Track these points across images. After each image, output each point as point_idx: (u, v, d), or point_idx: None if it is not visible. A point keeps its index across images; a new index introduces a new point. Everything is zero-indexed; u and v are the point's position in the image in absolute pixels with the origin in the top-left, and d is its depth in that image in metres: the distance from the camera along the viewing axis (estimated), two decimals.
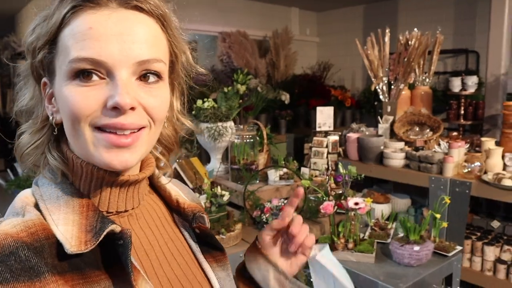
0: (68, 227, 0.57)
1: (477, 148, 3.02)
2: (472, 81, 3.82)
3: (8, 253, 0.51)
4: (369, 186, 3.61)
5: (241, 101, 2.72)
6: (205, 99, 2.40)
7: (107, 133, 0.57)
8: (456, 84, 3.89)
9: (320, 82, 5.53)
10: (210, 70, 5.05)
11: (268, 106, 4.78)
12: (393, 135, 3.37)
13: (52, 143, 0.65)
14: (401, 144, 3.16)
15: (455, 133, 3.52)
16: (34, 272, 0.51)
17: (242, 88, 3.99)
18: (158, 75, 0.61)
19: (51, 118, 0.63)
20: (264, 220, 1.98)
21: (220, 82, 4.30)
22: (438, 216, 1.94)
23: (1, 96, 6.98)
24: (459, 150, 2.84)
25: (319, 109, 3.46)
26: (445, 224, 1.97)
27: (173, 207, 0.76)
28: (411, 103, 3.64)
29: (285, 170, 2.22)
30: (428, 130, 3.34)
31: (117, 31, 0.56)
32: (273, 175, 2.20)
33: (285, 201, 2.05)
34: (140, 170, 0.69)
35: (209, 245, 0.77)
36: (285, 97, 4.81)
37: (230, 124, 2.41)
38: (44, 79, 0.63)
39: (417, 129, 3.41)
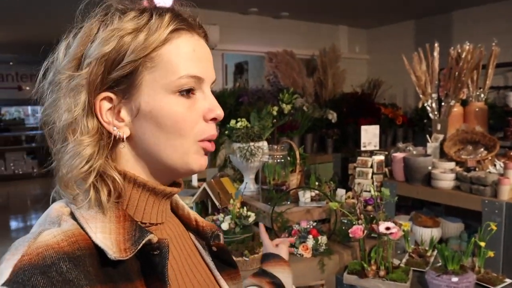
0: (106, 235, 0.58)
1: None
2: None
3: (49, 264, 0.52)
4: (418, 209, 3.40)
5: (275, 120, 2.66)
6: (238, 119, 2.38)
7: (205, 141, 0.67)
8: None
9: (370, 100, 5.37)
10: (258, 89, 5.08)
11: (315, 125, 4.70)
12: (443, 155, 3.17)
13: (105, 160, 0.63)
14: (451, 165, 2.97)
15: None
16: (73, 285, 0.52)
17: (287, 108, 3.95)
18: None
19: (119, 134, 0.63)
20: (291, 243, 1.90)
21: (266, 102, 4.28)
22: (483, 244, 1.77)
23: None
24: None
25: (363, 128, 3.34)
26: (491, 254, 1.78)
27: (191, 226, 0.79)
28: (464, 120, 3.42)
29: (316, 191, 2.13)
30: (482, 149, 3.11)
31: (206, 55, 0.69)
32: (303, 196, 2.11)
33: (315, 224, 1.96)
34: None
35: (224, 262, 0.80)
36: (332, 116, 4.71)
37: (263, 143, 2.36)
38: (106, 93, 0.62)
39: (470, 148, 3.18)
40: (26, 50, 8.81)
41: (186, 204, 0.87)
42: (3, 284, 0.50)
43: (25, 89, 11.75)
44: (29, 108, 13.05)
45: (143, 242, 0.59)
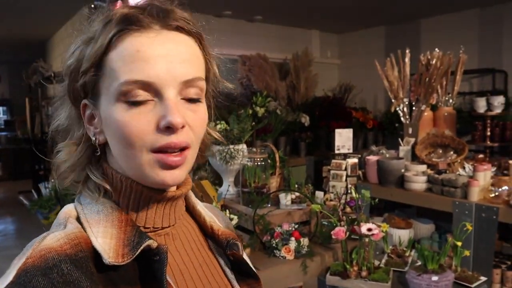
0: (106, 239, 0.58)
1: (505, 172, 2.88)
2: (498, 101, 3.68)
3: (51, 266, 0.52)
4: (391, 211, 3.48)
5: (253, 123, 2.67)
6: (218, 121, 2.37)
7: (162, 153, 0.59)
8: (481, 105, 3.76)
9: (341, 104, 5.46)
10: (231, 93, 5.04)
11: (288, 128, 4.73)
12: (414, 157, 3.26)
13: (93, 161, 0.67)
14: (423, 167, 3.05)
15: (481, 156, 3.37)
16: (74, 287, 0.52)
17: (260, 111, 3.97)
18: (200, 95, 0.63)
19: (93, 139, 0.64)
20: (274, 245, 1.91)
21: (239, 105, 4.28)
22: (459, 244, 1.83)
23: (30, 119, 7.17)
24: (485, 174, 2.71)
25: (337, 131, 3.38)
26: (467, 253, 1.85)
27: (208, 233, 0.76)
28: (434, 124, 3.53)
29: (297, 193, 2.15)
30: (452, 153, 3.21)
31: (163, 52, 0.59)
32: (284, 199, 2.13)
33: (296, 226, 1.97)
34: (177, 188, 0.69)
35: (244, 273, 0.76)
36: (305, 119, 4.76)
37: (242, 146, 2.36)
38: (85, 101, 0.64)
39: (440, 151, 3.28)
40: None
41: None
42: (6, 286, 0.51)
43: None
44: None
45: (141, 248, 0.58)
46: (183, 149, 0.60)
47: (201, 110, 0.64)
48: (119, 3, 0.68)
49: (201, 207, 0.79)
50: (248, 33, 5.61)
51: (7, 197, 8.29)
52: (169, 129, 0.58)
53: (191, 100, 0.62)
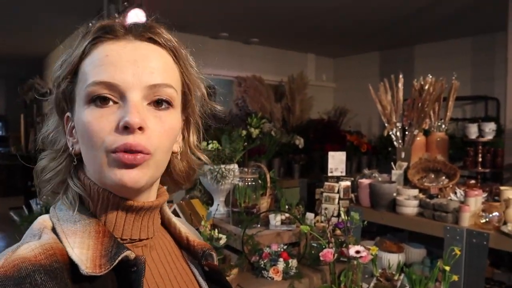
0: (83, 250, 0.58)
1: (496, 198, 2.88)
2: (489, 128, 3.72)
3: (24, 276, 0.51)
4: (383, 234, 3.46)
5: (246, 143, 2.68)
6: (210, 141, 2.38)
7: (118, 152, 0.58)
8: (472, 131, 3.79)
9: (336, 127, 5.49)
10: (227, 114, 5.11)
11: (282, 150, 4.74)
12: (407, 182, 3.26)
13: (72, 171, 0.67)
14: (415, 191, 3.05)
15: (472, 181, 3.38)
16: None
17: (255, 132, 3.99)
18: (169, 102, 0.63)
19: (71, 149, 0.66)
20: (262, 265, 1.89)
21: (234, 126, 4.30)
22: (447, 268, 1.82)
23: (24, 135, 7.17)
24: (476, 199, 2.71)
25: (331, 154, 3.40)
26: (455, 278, 1.84)
27: (183, 244, 0.77)
28: (426, 149, 3.54)
29: (287, 214, 2.15)
30: (443, 178, 3.22)
31: (131, 58, 0.61)
32: (274, 219, 2.12)
33: (285, 247, 1.96)
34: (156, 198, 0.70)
35: (218, 283, 0.77)
36: (299, 142, 4.78)
37: (233, 166, 2.36)
38: (68, 114, 0.67)
39: (433, 176, 3.29)
40: None
41: None
42: None
43: None
44: None
45: (119, 258, 0.58)
46: (141, 153, 0.60)
47: (169, 119, 0.64)
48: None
49: (176, 219, 0.79)
50: (244, 55, 5.68)
51: None
52: (127, 129, 0.58)
53: (158, 107, 0.63)
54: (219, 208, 2.37)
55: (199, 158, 0.77)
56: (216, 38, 5.32)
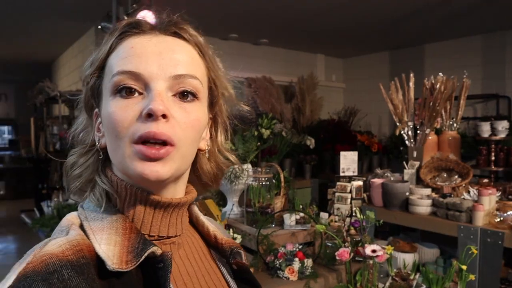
0: (110, 246, 0.58)
1: (510, 196, 2.86)
2: (502, 126, 3.69)
3: (52, 271, 0.52)
4: (395, 234, 3.46)
5: (259, 143, 2.69)
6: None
7: (142, 145, 0.58)
8: (485, 129, 3.77)
9: (346, 127, 5.48)
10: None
11: (293, 150, 4.74)
12: (419, 181, 3.25)
13: (100, 168, 0.68)
14: (427, 191, 3.04)
15: (485, 180, 3.36)
16: None
17: (266, 133, 3.99)
18: (194, 94, 0.63)
19: (97, 143, 0.67)
20: (277, 265, 1.90)
21: (245, 124, 4.31)
22: (464, 267, 1.81)
23: (34, 139, 7.22)
24: (490, 198, 2.70)
25: (342, 153, 3.39)
26: (472, 277, 1.83)
27: (211, 243, 0.77)
28: (438, 148, 3.53)
29: (301, 214, 2.15)
30: (456, 177, 3.21)
31: (156, 50, 0.62)
32: (289, 219, 2.13)
33: (300, 247, 1.96)
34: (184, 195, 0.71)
35: (246, 281, 0.77)
36: (310, 142, 4.77)
37: (247, 166, 2.37)
38: (96, 110, 0.68)
39: (445, 175, 3.28)
40: None
41: None
42: None
43: None
44: None
45: (145, 254, 0.58)
46: (165, 144, 0.59)
47: (194, 111, 0.64)
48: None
49: (204, 218, 0.79)
50: (254, 56, 5.69)
51: (9, 216, 8.28)
52: (150, 117, 0.58)
53: (184, 98, 0.63)
54: (233, 208, 2.37)
55: (227, 159, 0.77)
56: (226, 39, 5.34)
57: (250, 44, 5.70)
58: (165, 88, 0.61)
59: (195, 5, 4.07)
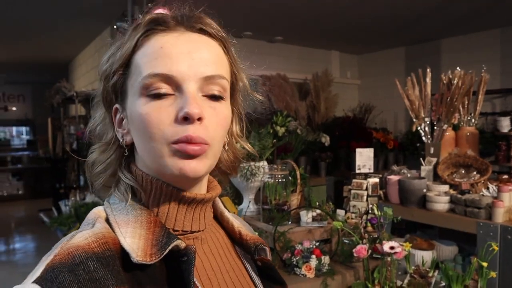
0: (135, 239, 0.59)
1: None
2: None
3: (78, 263, 0.53)
4: (412, 232, 3.42)
5: (274, 140, 2.68)
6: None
7: (181, 143, 0.59)
8: (504, 124, 3.70)
9: (362, 124, 5.44)
10: (252, 112, 5.10)
11: (308, 148, 4.72)
12: (436, 177, 3.21)
13: (123, 163, 0.69)
14: (445, 187, 3.00)
15: (505, 176, 3.31)
16: (100, 284, 0.53)
17: (281, 130, 3.98)
18: (221, 93, 0.65)
19: (121, 140, 0.67)
20: (294, 262, 1.89)
21: (260, 125, 4.31)
22: (485, 264, 1.78)
23: (51, 139, 7.32)
24: (510, 194, 2.65)
25: (358, 150, 3.37)
26: (493, 274, 1.80)
27: (236, 239, 0.77)
28: (456, 144, 3.48)
29: (318, 211, 2.14)
30: (475, 173, 3.16)
31: (185, 50, 0.61)
32: (305, 216, 2.12)
33: (317, 244, 1.95)
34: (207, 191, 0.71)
35: (271, 278, 0.77)
36: (325, 139, 4.75)
37: (263, 163, 2.36)
38: (116, 106, 0.68)
39: (463, 171, 3.23)
40: (15, 71, 8.79)
41: None
42: (34, 282, 0.52)
43: (11, 109, 11.64)
44: (14, 129, 12.89)
45: (169, 247, 0.59)
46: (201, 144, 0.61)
47: (223, 109, 0.65)
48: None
49: (229, 214, 0.79)
50: (268, 54, 5.68)
51: (28, 215, 8.42)
52: (186, 120, 0.59)
53: (213, 98, 0.64)
54: (249, 206, 2.37)
55: (243, 148, 0.79)
56: (240, 37, 5.33)
57: (265, 41, 5.69)
58: (196, 89, 0.61)
59: (209, 3, 4.07)
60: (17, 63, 7.78)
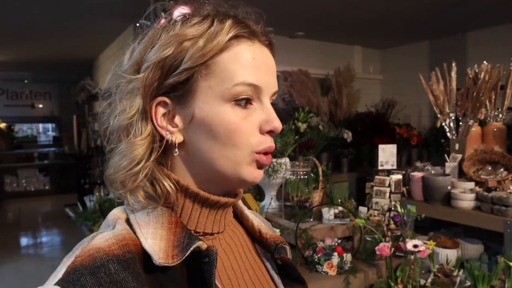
0: (156, 241, 0.59)
1: None
2: None
3: (99, 266, 0.54)
4: (436, 229, 3.36)
5: (296, 137, 2.67)
6: None
7: (262, 155, 0.64)
8: None
9: (384, 120, 5.36)
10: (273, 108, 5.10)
11: (330, 144, 4.68)
12: (462, 174, 3.14)
13: (157, 165, 0.64)
14: (471, 184, 2.94)
15: None
16: (121, 286, 0.53)
17: (303, 126, 3.96)
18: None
19: (169, 138, 0.63)
20: (316, 260, 1.88)
21: (281, 121, 4.29)
22: None
23: (77, 135, 7.46)
24: None
25: (381, 147, 3.33)
26: None
27: (256, 237, 0.77)
28: (482, 140, 3.40)
29: (340, 208, 2.12)
30: (502, 170, 3.08)
31: (267, 64, 0.65)
32: (327, 213, 2.10)
33: (339, 241, 1.94)
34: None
35: (291, 277, 0.77)
36: (347, 135, 4.70)
37: (285, 160, 2.36)
38: (162, 98, 0.63)
39: (490, 168, 3.16)
40: (41, 69, 8.98)
41: None
42: (55, 284, 0.52)
43: (38, 107, 11.92)
44: (41, 126, 13.20)
45: (191, 249, 0.59)
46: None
47: None
48: (162, 21, 0.69)
49: (249, 212, 0.79)
50: (290, 49, 5.64)
51: (54, 210, 8.61)
52: (271, 132, 0.65)
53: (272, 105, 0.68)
54: (271, 203, 2.37)
55: None
56: None
57: (286, 37, 5.65)
58: (269, 100, 0.66)
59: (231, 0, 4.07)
60: (44, 62, 7.94)
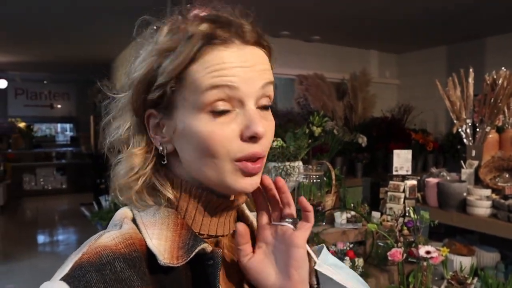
0: (161, 241, 0.60)
1: None
2: None
3: (105, 263, 0.55)
4: (451, 236, 3.32)
5: (310, 141, 2.67)
6: (274, 139, 2.39)
7: (244, 161, 0.60)
8: None
9: (400, 125, 5.32)
10: (288, 112, 5.12)
11: (345, 148, 4.67)
12: (478, 181, 3.11)
13: (158, 169, 0.67)
14: (487, 192, 2.90)
15: None
16: (126, 285, 0.54)
17: (317, 130, 3.96)
18: (269, 102, 0.65)
19: (160, 148, 0.65)
20: None
21: (296, 124, 4.29)
22: None
23: (94, 136, 7.56)
24: None
25: (396, 152, 3.31)
26: None
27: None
28: (499, 147, 3.36)
29: (352, 213, 2.12)
30: None
31: (245, 64, 0.60)
32: (340, 217, 2.10)
33: (351, 246, 1.94)
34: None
35: None
36: (362, 140, 4.68)
37: (298, 164, 2.36)
38: (151, 111, 0.65)
39: (507, 176, 3.12)
40: (60, 70, 9.12)
41: None
42: (61, 279, 0.54)
43: (56, 107, 12.11)
44: (59, 125, 13.41)
45: (196, 250, 0.59)
46: (260, 158, 0.62)
47: (271, 118, 0.66)
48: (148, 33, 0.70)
49: (250, 213, 0.79)
50: (305, 53, 5.64)
51: (70, 209, 8.73)
52: (253, 138, 0.60)
53: (264, 108, 0.64)
54: None
55: None
56: (278, 37, 5.33)
57: (302, 41, 5.65)
58: (254, 104, 0.61)
59: (246, 2, 4.10)
60: (63, 63, 8.07)
